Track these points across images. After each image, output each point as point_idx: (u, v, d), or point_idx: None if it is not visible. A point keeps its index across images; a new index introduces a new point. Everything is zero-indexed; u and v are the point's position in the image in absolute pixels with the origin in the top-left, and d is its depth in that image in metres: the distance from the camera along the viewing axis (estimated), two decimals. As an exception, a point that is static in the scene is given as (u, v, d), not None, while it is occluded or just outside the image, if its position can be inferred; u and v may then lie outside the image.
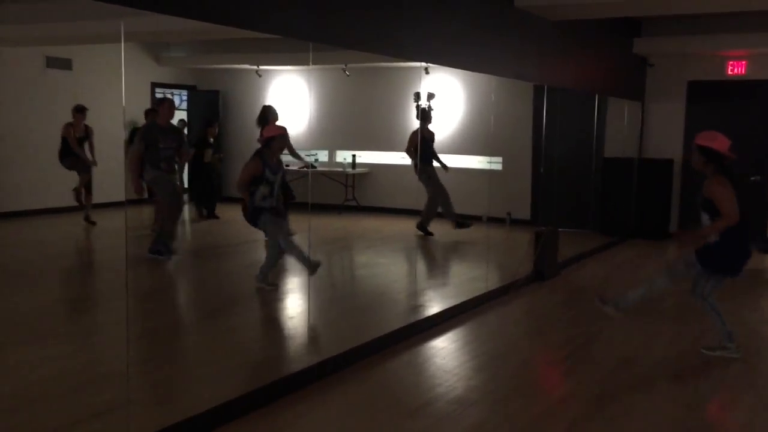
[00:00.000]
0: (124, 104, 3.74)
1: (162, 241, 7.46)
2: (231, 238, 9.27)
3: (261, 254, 8.00)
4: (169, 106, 7.58)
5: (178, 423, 3.56)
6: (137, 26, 6.89)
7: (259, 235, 6.76)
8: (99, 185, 9.15)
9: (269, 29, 4.14)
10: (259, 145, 6.36)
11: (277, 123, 7.15)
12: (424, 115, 9.08)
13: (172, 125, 7.59)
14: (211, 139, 10.18)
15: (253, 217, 6.26)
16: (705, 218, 4.87)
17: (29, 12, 7.73)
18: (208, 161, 10.05)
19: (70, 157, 9.07)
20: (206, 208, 10.28)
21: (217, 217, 10.19)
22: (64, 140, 9.07)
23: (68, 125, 9.10)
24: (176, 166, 7.65)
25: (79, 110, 9.08)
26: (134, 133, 8.95)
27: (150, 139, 7.33)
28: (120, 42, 3.63)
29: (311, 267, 6.02)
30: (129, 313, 3.96)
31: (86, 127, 9.13)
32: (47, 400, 4.06)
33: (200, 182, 10.22)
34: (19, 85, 10.04)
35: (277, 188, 6.31)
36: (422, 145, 9.02)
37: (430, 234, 9.17)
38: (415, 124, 10.21)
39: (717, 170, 4.79)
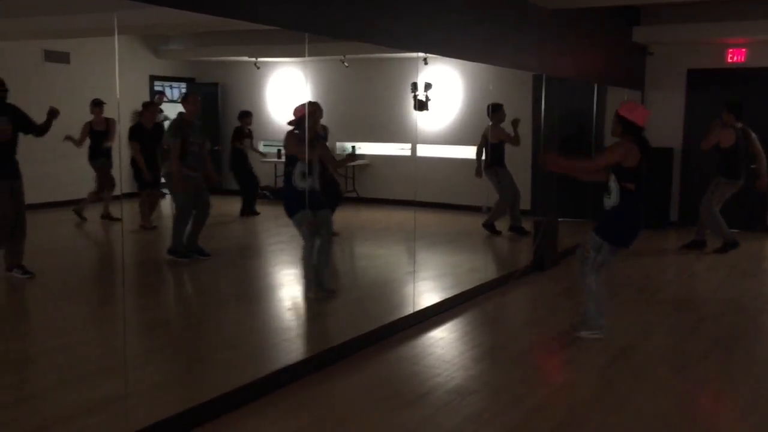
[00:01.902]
0: (118, 97, 3.73)
1: (186, 244, 7.36)
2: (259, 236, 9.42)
3: (288, 252, 8.02)
4: (195, 100, 7.40)
5: (175, 415, 3.57)
6: (132, 19, 6.90)
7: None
8: (90, 180, 9.14)
9: (264, 20, 4.12)
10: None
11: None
12: (495, 110, 8.88)
13: (199, 121, 7.50)
14: (248, 130, 10.20)
15: (291, 205, 5.72)
16: (612, 180, 4.94)
17: (26, 5, 7.71)
18: (246, 152, 10.09)
19: (100, 158, 8.96)
20: (248, 205, 10.27)
21: (257, 213, 10.17)
22: (93, 138, 8.96)
23: (87, 123, 8.96)
24: (202, 164, 7.44)
25: (97, 104, 8.94)
26: (136, 129, 8.94)
27: (184, 134, 7.18)
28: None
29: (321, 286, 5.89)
30: (126, 306, 3.98)
31: (107, 120, 8.99)
32: (46, 393, 4.07)
33: (245, 176, 10.15)
34: (17, 79, 9.99)
35: (315, 169, 5.77)
36: (496, 144, 8.92)
37: (498, 232, 9.04)
38: (414, 114, 10.19)
39: (632, 140, 4.89)
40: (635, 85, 10.30)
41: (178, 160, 7.09)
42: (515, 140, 8.82)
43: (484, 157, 9.09)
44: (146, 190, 8.78)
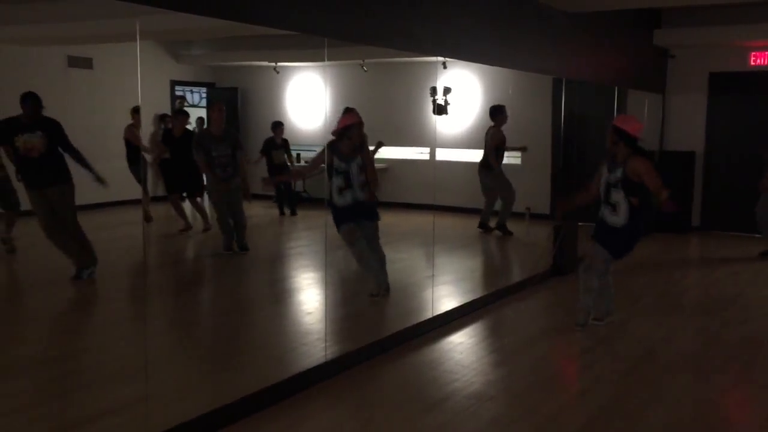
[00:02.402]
0: (140, 102, 3.78)
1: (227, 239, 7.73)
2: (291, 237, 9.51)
3: (308, 256, 8.06)
4: (219, 111, 7.47)
5: (196, 418, 3.59)
6: (154, 24, 6.98)
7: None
8: (120, 183, 9.23)
9: (284, 25, 4.14)
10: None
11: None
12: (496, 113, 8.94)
13: (226, 131, 7.54)
14: (279, 141, 10.29)
15: (335, 218, 5.75)
16: (619, 195, 5.05)
17: (51, 11, 7.83)
18: (279, 163, 10.17)
19: (137, 163, 9.09)
20: (289, 208, 10.52)
21: (295, 214, 10.53)
22: (128, 144, 9.09)
23: (130, 127, 9.10)
24: (234, 173, 7.58)
25: (137, 111, 9.03)
26: (164, 137, 9.11)
27: (202, 148, 7.38)
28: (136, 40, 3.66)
29: (382, 287, 6.02)
30: (150, 308, 4.01)
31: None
32: (67, 394, 4.12)
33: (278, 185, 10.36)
34: (41, 85, 10.13)
35: (357, 180, 5.72)
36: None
37: (510, 233, 9.13)
38: (433, 118, 10.18)
39: (633, 152, 5.00)
40: (656, 89, 10.22)
41: (207, 170, 7.52)
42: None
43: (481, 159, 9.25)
44: (175, 194, 8.91)
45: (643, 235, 5.28)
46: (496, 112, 8.96)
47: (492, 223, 9.30)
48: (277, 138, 10.30)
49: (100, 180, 6.39)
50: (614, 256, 5.25)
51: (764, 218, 8.22)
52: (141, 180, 9.11)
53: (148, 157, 9.31)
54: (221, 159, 7.40)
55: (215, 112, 7.49)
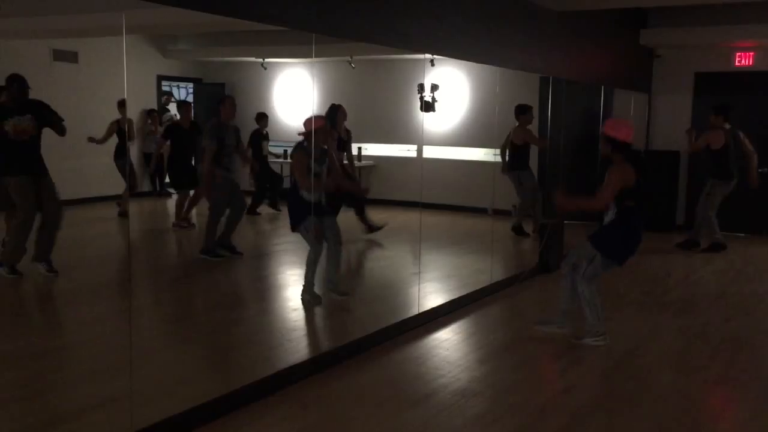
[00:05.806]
0: (125, 96, 3.78)
1: (218, 242, 7.40)
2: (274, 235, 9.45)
3: (294, 252, 7.99)
4: (232, 104, 7.48)
5: (180, 413, 3.58)
6: (140, 19, 6.93)
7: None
8: (102, 178, 9.19)
9: (272, 20, 4.13)
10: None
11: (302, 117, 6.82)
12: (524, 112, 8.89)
13: (231, 123, 7.53)
14: (266, 131, 10.20)
15: (298, 215, 5.71)
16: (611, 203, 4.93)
17: (35, 4, 7.76)
18: (266, 154, 10.08)
19: (124, 157, 8.99)
20: (271, 203, 10.30)
21: (279, 210, 10.14)
22: (119, 137, 9.03)
23: (116, 122, 9.04)
24: (234, 164, 7.51)
25: (123, 104, 8.97)
26: (169, 130, 9.02)
27: (220, 137, 7.20)
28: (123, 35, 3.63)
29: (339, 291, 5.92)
30: (136, 304, 3.99)
31: (128, 120, 9.09)
32: (50, 390, 4.09)
33: (265, 177, 10.07)
34: (26, 78, 10.05)
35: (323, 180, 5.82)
36: (521, 147, 8.91)
37: (526, 235, 9.02)
38: (420, 116, 10.18)
39: (624, 159, 4.86)
40: (642, 88, 10.28)
41: (212, 162, 7.15)
42: (541, 142, 8.79)
43: (508, 158, 9.11)
44: (184, 191, 8.80)
45: (637, 245, 5.01)
46: (524, 111, 8.94)
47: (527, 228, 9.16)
48: (263, 128, 10.22)
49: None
50: (600, 252, 4.94)
51: (705, 217, 8.60)
52: (126, 174, 9.04)
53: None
54: (228, 149, 7.35)
55: (227, 106, 7.39)
